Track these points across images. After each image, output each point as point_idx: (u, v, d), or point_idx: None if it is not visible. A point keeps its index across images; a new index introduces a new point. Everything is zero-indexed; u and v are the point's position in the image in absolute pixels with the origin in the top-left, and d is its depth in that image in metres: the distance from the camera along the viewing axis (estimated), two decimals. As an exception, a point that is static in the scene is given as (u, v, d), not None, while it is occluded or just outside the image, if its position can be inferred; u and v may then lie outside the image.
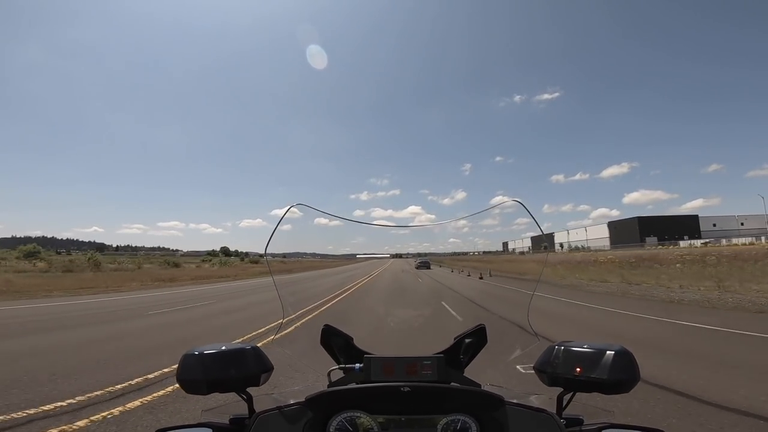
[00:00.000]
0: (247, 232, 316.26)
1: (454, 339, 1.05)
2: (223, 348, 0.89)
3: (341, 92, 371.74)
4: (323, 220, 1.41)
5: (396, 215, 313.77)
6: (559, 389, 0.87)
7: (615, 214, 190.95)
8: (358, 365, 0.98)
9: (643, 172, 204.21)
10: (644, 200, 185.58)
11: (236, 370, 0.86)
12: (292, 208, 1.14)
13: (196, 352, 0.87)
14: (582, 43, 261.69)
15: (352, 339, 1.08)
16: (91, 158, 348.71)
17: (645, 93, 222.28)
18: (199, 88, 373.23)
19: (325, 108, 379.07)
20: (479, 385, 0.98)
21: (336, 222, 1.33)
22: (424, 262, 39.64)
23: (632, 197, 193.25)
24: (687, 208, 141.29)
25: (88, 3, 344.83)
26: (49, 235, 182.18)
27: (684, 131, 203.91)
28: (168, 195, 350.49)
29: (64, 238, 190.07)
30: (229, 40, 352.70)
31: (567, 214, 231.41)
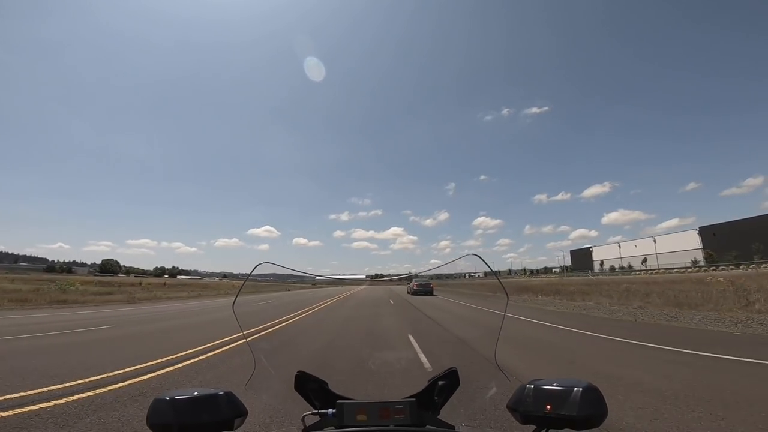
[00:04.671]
0: (223, 252, 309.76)
1: (428, 381, 1.07)
2: (196, 393, 0.87)
3: (322, 109, 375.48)
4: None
5: (377, 236, 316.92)
6: (533, 427, 0.88)
7: (594, 234, 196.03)
8: (331, 410, 0.98)
9: (623, 191, 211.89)
10: (623, 220, 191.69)
11: (209, 415, 0.84)
12: (258, 266, 1.18)
13: (167, 397, 0.84)
14: (572, 58, 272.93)
15: (326, 384, 1.08)
16: (55, 170, 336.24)
17: (632, 110, 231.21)
18: (173, 98, 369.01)
19: (305, 125, 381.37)
20: (453, 427, 0.99)
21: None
22: (424, 285, 25.99)
23: (611, 217, 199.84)
24: (662, 228, 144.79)
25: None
26: (14, 251, 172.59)
27: (667, 150, 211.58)
28: (139, 211, 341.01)
29: (28, 255, 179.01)
30: (204, 50, 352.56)
31: (548, 236, 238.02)
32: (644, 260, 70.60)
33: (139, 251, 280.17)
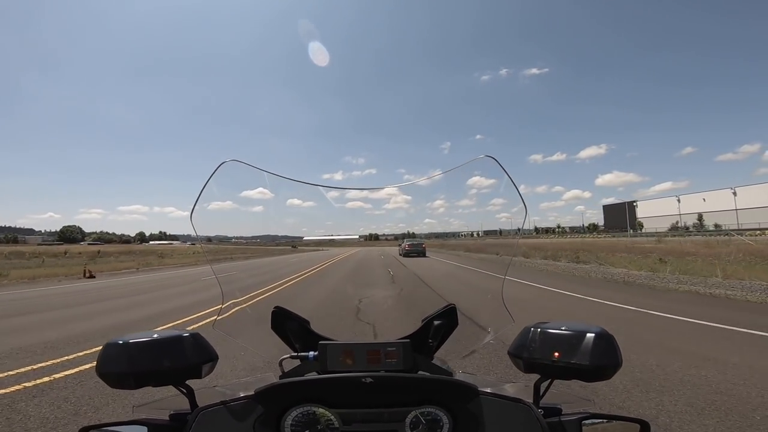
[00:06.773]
0: (217, 215, 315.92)
1: (422, 321, 0.96)
2: (155, 336, 0.75)
3: (314, 65, 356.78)
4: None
5: (371, 196, 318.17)
6: (536, 376, 0.79)
7: (587, 195, 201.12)
8: (312, 353, 0.87)
9: (619, 153, 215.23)
10: (617, 182, 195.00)
11: (172, 360, 0.72)
12: (223, 164, 1.00)
13: (121, 341, 0.72)
14: (575, 20, 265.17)
15: (308, 323, 0.96)
16: (38, 140, 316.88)
17: (632, 74, 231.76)
18: (155, 59, 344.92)
19: (297, 83, 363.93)
20: (450, 373, 0.90)
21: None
22: (416, 245, 25.40)
23: (605, 179, 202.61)
24: (655, 191, 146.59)
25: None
26: (3, 224, 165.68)
27: (665, 114, 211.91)
28: (129, 177, 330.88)
29: (16, 227, 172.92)
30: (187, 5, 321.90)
31: (541, 195, 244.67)
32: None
33: (131, 217, 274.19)
